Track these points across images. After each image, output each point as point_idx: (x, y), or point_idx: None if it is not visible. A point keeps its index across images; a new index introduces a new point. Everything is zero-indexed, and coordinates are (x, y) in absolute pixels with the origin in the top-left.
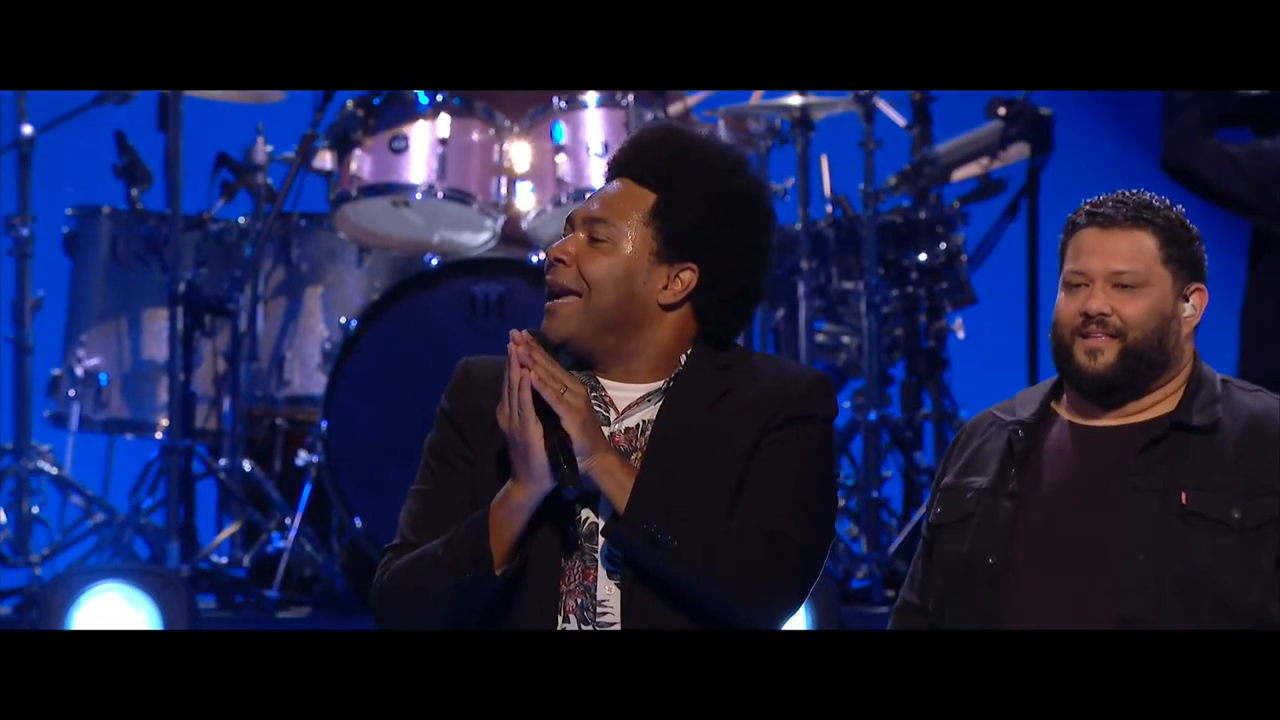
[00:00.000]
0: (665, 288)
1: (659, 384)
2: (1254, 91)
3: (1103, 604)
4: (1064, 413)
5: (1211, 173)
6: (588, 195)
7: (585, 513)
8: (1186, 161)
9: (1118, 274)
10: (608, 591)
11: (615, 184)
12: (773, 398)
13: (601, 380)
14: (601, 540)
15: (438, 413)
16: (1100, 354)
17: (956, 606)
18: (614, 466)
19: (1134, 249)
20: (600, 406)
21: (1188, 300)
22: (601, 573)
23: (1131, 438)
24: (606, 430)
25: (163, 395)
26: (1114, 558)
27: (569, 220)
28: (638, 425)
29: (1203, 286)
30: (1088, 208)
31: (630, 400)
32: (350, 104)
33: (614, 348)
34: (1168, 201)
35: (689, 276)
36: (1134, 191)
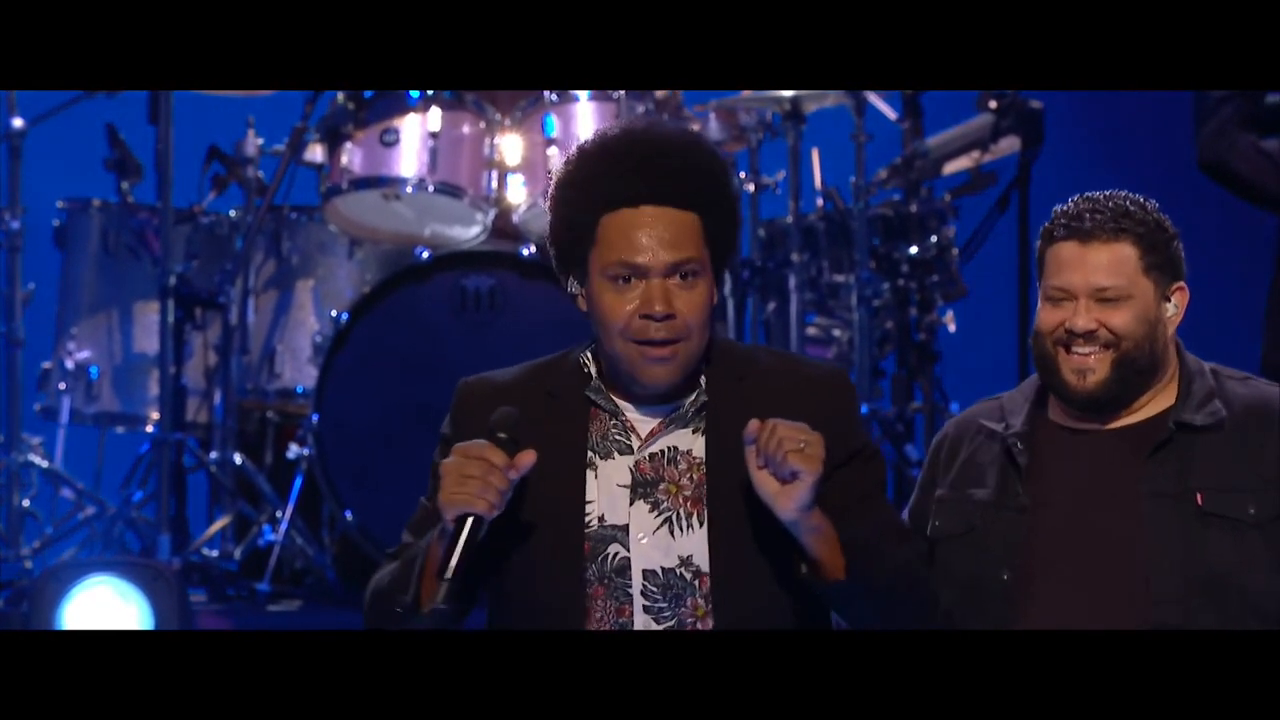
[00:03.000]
0: (713, 301)
1: (676, 405)
2: None
3: (1130, 613)
4: (1056, 417)
5: (1247, 169)
6: (635, 231)
7: (614, 549)
8: (1223, 159)
9: (1101, 289)
10: (645, 625)
11: (665, 214)
12: (820, 415)
13: (626, 406)
14: (638, 577)
15: (441, 437)
16: (1090, 373)
17: (969, 620)
18: (824, 524)
19: (1115, 262)
20: (621, 434)
21: (1169, 300)
22: (637, 607)
23: (1135, 441)
24: (630, 458)
25: (153, 388)
26: (1136, 566)
27: (637, 269)
28: (662, 452)
29: (1183, 284)
30: (1064, 220)
31: (652, 426)
32: (341, 97)
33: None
34: (1142, 201)
35: (711, 283)
36: (1108, 195)
